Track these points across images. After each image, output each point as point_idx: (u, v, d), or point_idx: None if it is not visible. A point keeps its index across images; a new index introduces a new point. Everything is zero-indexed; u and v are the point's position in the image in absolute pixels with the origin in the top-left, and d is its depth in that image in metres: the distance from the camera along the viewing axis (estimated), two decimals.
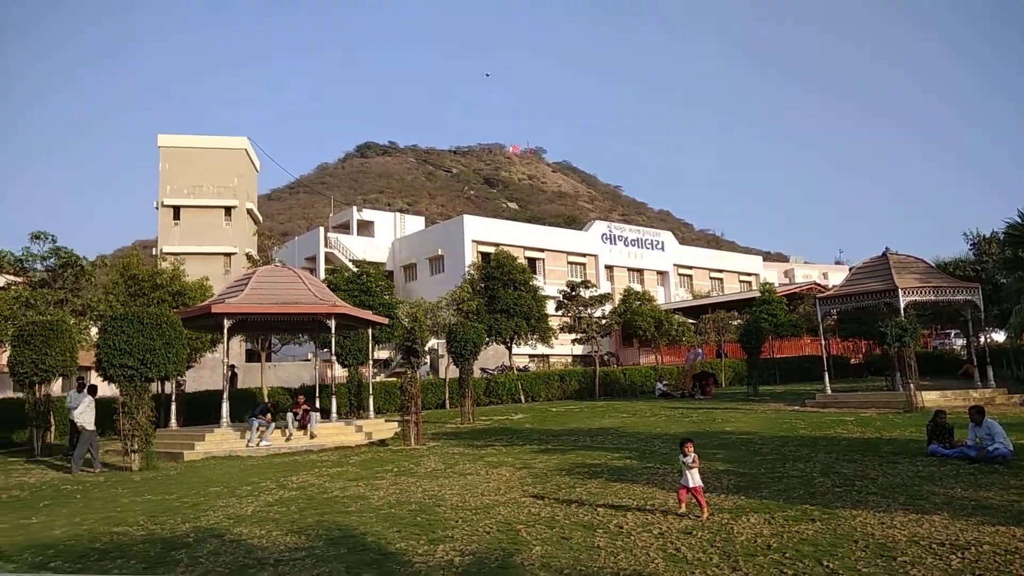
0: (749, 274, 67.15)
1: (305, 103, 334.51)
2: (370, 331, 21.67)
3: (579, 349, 44.44)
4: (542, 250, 53.53)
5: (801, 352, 39.02)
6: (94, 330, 22.10)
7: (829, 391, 22.08)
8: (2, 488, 12.19)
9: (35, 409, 17.33)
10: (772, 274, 70.10)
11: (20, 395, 20.77)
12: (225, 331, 17.41)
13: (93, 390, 15.70)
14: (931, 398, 19.02)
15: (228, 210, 50.00)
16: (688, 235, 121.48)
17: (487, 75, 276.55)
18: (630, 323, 38.35)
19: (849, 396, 21.88)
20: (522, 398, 29.15)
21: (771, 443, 13.57)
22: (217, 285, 29.23)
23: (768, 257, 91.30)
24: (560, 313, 34.10)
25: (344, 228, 62.75)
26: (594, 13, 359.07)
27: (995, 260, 26.12)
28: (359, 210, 65.61)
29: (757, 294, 42.89)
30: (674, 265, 61.40)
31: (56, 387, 23.47)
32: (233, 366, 25.57)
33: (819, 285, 50.31)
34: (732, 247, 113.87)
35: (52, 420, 18.59)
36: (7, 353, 18.91)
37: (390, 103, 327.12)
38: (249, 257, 42.76)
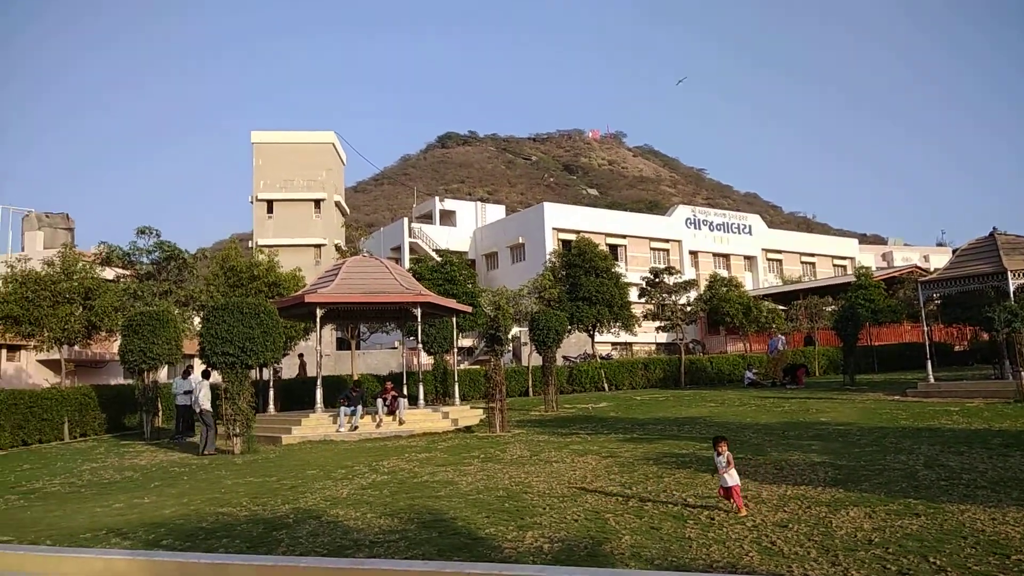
0: (843, 258, 64.36)
1: (388, 96, 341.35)
2: (454, 319, 22.00)
3: (663, 337, 43.79)
4: (624, 236, 52.87)
5: (901, 339, 37.15)
6: (197, 319, 23.34)
7: (932, 380, 20.94)
8: (116, 470, 13.07)
9: (144, 395, 18.47)
10: (868, 257, 66.82)
11: (130, 381, 22.18)
12: (318, 320, 18.04)
13: (207, 374, 16.55)
14: None
15: (317, 203, 51.63)
16: (777, 218, 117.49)
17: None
18: (716, 310, 37.47)
19: (954, 385, 20.70)
20: (605, 386, 28.99)
21: (870, 434, 13.00)
22: (309, 276, 30.31)
23: (864, 240, 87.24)
24: (643, 300, 33.62)
25: (427, 218, 63.81)
26: None
27: None
28: (441, 200, 66.59)
29: (852, 278, 41.06)
30: (762, 249, 59.50)
31: (163, 374, 24.95)
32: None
33: (920, 268, 47.73)
34: (824, 230, 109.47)
35: (159, 405, 19.77)
36: (118, 342, 20.23)
37: (470, 93, 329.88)
38: (338, 248, 44.06)
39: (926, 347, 22.50)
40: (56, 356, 24.48)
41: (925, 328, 23.86)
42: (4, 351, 32.69)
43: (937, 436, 12.36)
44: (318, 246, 50.20)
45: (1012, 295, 18.91)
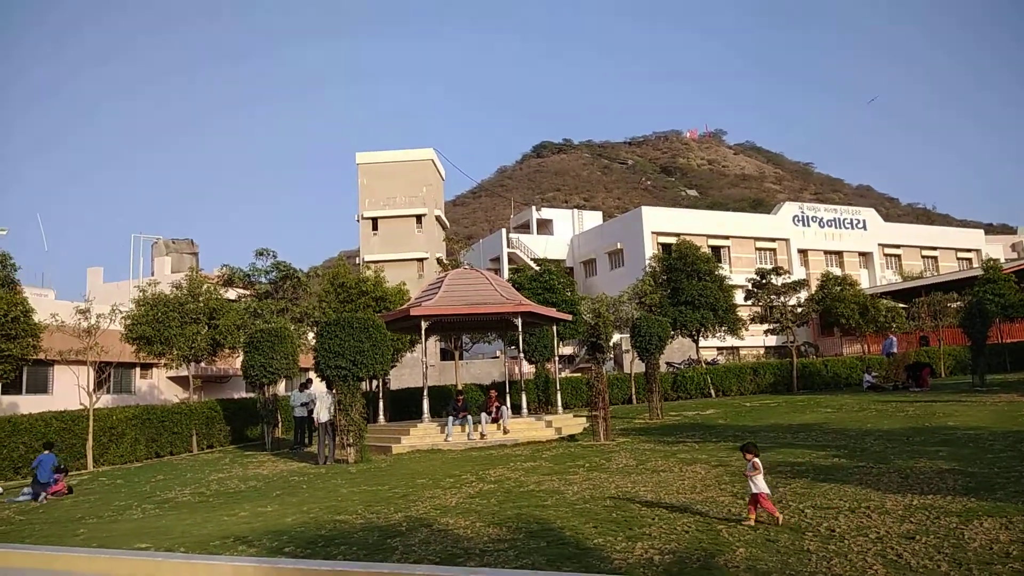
0: (968, 250, 60.09)
1: (483, 109, 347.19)
2: (554, 328, 22.05)
3: (772, 340, 42.18)
4: (727, 237, 51.45)
5: None
6: (310, 335, 24.49)
7: None
8: (241, 479, 13.87)
9: (265, 407, 19.52)
10: (996, 249, 62.04)
11: (252, 395, 23.49)
12: (423, 332, 18.54)
13: (330, 385, 17.12)
14: None
15: (419, 218, 53.10)
16: (893, 211, 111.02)
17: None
18: (830, 310, 35.77)
19: None
20: (712, 392, 28.22)
21: (1004, 439, 12.05)
22: (413, 289, 31.21)
23: (991, 230, 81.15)
24: (750, 303, 32.59)
25: (524, 228, 64.34)
26: None
27: None
28: (538, 209, 66.97)
29: (980, 272, 38.19)
30: (878, 245, 56.41)
31: (281, 387, 26.31)
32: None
33: None
34: (946, 221, 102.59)
35: (279, 417, 20.82)
36: (240, 358, 21.50)
37: (563, 101, 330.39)
38: (439, 261, 45.13)
39: None
40: (184, 373, 26.26)
41: None
42: (138, 369, 35.34)
43: None
44: (421, 260, 51.60)
45: None
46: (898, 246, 57.57)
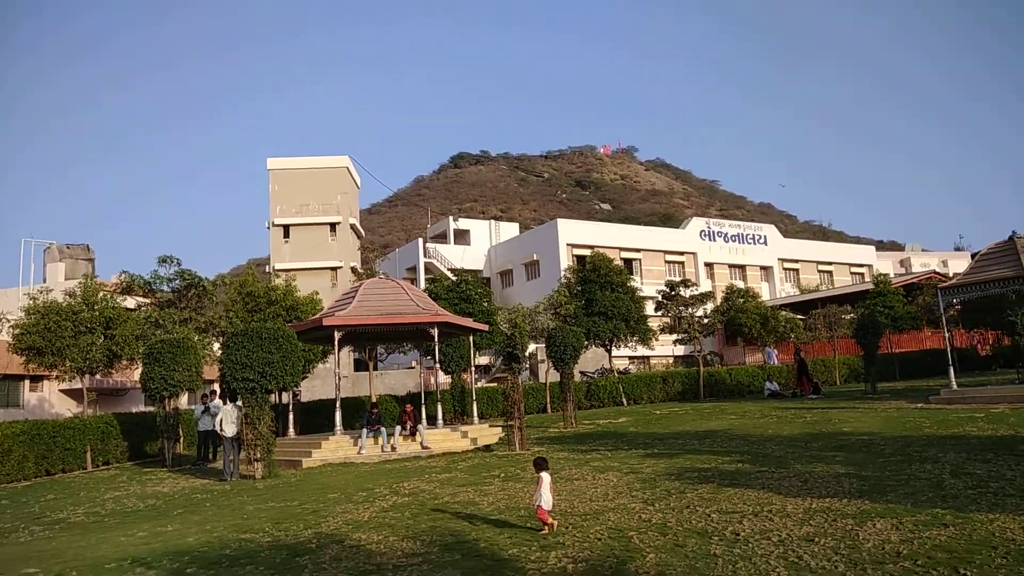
0: (861, 265, 63.90)
1: (400, 117, 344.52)
2: (471, 338, 22.03)
3: (681, 350, 43.53)
4: (638, 250, 52.84)
5: (921, 346, 36.69)
6: (216, 346, 23.54)
7: (955, 386, 20.65)
8: (139, 498, 13.16)
9: (165, 422, 18.60)
10: (886, 264, 66.24)
11: (151, 409, 22.34)
12: (336, 343, 18.13)
13: (234, 397, 16.29)
14: None
15: (333, 226, 52.09)
16: (792, 227, 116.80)
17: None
18: (734, 321, 37.24)
19: (978, 391, 20.40)
20: (624, 401, 28.82)
21: (894, 443, 12.83)
22: (326, 298, 30.52)
23: (881, 247, 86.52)
24: (660, 314, 33.50)
25: (441, 238, 64.14)
26: (677, 6, 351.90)
27: None
28: (455, 219, 66.96)
29: (871, 286, 40.74)
30: (778, 259, 59.21)
31: (183, 400, 25.16)
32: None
33: (938, 274, 47.27)
34: (840, 237, 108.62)
35: (181, 432, 19.89)
36: (139, 370, 20.44)
37: (482, 112, 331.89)
38: (354, 270, 44.42)
39: (948, 353, 22.21)
40: (78, 385, 24.73)
41: (946, 334, 23.57)
42: (27, 382, 33.09)
43: (963, 444, 12.18)
44: (334, 269, 50.60)
45: None
46: (796, 261, 60.56)
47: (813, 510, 7.93)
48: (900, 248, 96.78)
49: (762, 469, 11.12)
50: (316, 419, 23.02)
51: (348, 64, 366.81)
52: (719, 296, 40.52)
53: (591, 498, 9.60)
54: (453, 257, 58.27)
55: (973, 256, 29.93)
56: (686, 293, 32.13)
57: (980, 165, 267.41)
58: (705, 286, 47.00)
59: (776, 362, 33.21)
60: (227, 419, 15.40)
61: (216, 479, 15.06)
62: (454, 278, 32.92)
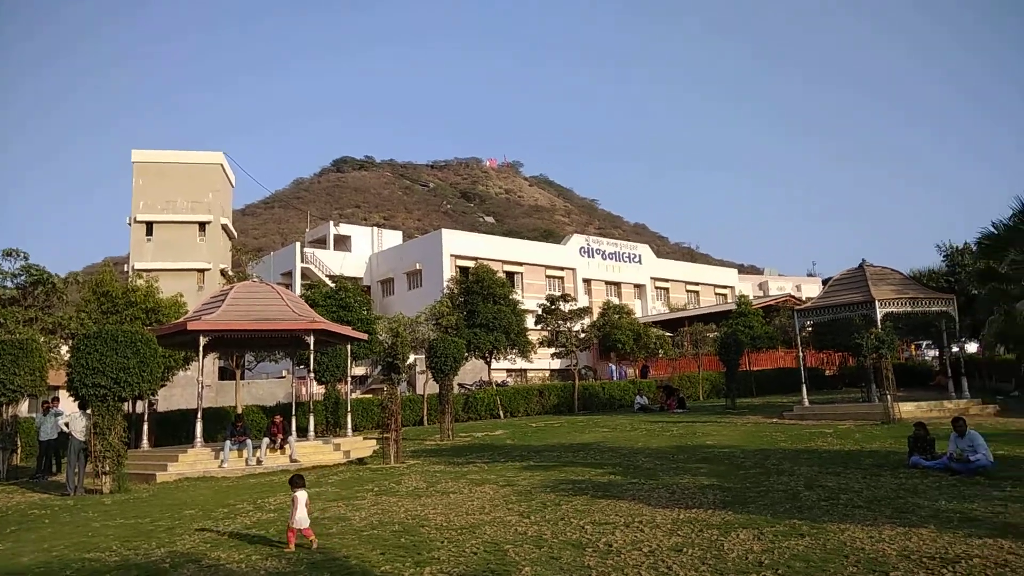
0: (725, 287, 67.67)
1: (281, 116, 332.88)
2: (348, 347, 21.41)
3: (557, 363, 44.35)
4: (520, 264, 53.50)
5: (776, 364, 39.28)
6: (65, 349, 21.61)
7: (806, 403, 22.19)
8: None
9: (2, 431, 16.84)
10: (747, 287, 70.61)
11: None
12: (200, 348, 17.06)
13: (84, 405, 14.93)
14: (907, 409, 19.19)
15: (202, 225, 49.31)
16: (664, 248, 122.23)
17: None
18: (608, 336, 38.38)
19: (826, 408, 22.01)
20: (501, 413, 28.96)
21: (753, 456, 13.56)
22: (191, 302, 28.76)
23: (743, 270, 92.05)
24: (539, 327, 34.02)
25: (321, 243, 62.30)
26: (570, 31, 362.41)
27: (968, 271, 26.55)
28: (336, 225, 65.26)
29: (733, 307, 43.19)
30: (651, 278, 61.69)
31: (24, 407, 22.88)
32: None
33: (794, 297, 50.82)
34: (707, 260, 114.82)
35: (19, 442, 18.07)
36: None
37: (368, 117, 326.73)
38: (224, 273, 42.23)
39: (801, 372, 23.85)
40: None
41: (800, 354, 25.31)
42: None
43: (815, 457, 13.04)
44: (202, 271, 47.87)
45: (879, 323, 20.37)
46: (667, 280, 63.37)
47: (681, 521, 8.19)
48: (759, 272, 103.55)
49: (633, 481, 11.41)
50: (174, 431, 21.59)
51: (229, 60, 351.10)
52: (596, 312, 41.68)
53: (467, 511, 9.48)
54: (332, 263, 56.72)
55: (824, 282, 32.39)
56: (565, 308, 32.82)
57: (832, 197, 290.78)
58: (583, 301, 48.19)
59: (616, 377, 34.87)
60: (74, 427, 14.12)
61: (58, 493, 13.74)
62: (333, 285, 32.04)
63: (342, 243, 62.09)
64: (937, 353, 33.33)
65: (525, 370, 46.26)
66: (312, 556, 7.38)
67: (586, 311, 35.71)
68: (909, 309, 21.31)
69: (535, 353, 34.51)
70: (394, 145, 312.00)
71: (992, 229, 22.91)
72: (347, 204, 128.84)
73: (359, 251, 60.63)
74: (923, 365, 35.59)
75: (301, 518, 7.72)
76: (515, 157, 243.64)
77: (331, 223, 65.74)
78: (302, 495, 7.84)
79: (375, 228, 67.96)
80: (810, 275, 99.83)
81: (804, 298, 46.22)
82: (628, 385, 32.90)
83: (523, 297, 42.44)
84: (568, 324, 32.68)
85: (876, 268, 22.32)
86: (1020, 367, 24.28)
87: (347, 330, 19.88)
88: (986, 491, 9.22)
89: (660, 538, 7.39)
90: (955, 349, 24.24)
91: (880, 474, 10.88)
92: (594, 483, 11.37)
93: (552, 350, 34.18)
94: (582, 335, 34.45)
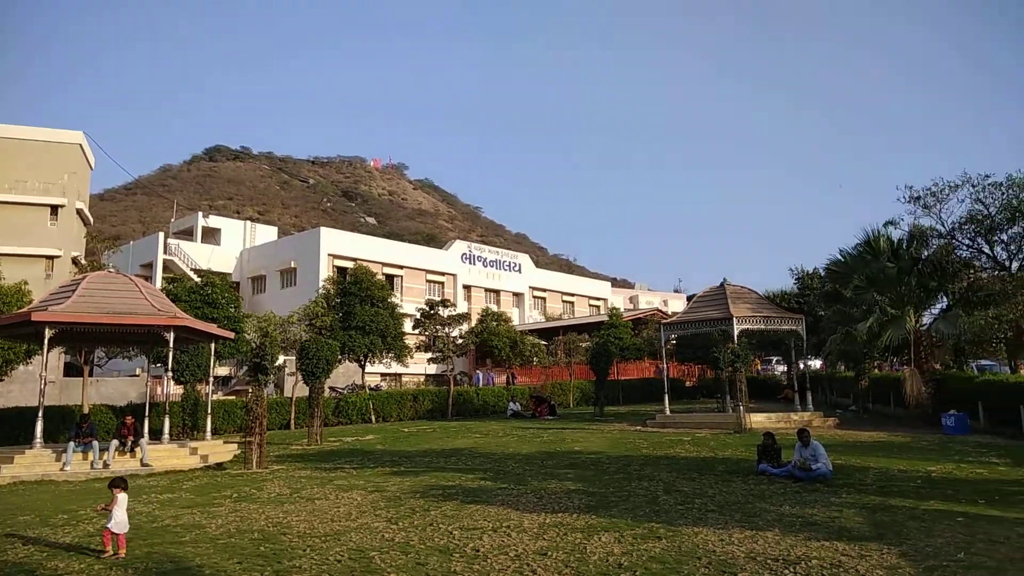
0: (598, 299, 69.88)
1: (148, 99, 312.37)
2: (212, 346, 20.35)
3: (433, 368, 44.20)
4: (401, 267, 52.94)
5: (642, 375, 41.02)
6: None
7: (668, 412, 23.31)
8: None
9: None
10: (619, 299, 73.30)
11: None
12: (45, 342, 15.67)
13: None
14: (757, 420, 20.56)
15: (55, 208, 45.34)
16: (543, 259, 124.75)
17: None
18: (486, 343, 38.67)
19: (686, 417, 23.21)
20: (373, 418, 28.47)
21: (617, 462, 14.06)
22: (38, 291, 26.39)
23: (616, 283, 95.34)
24: (417, 332, 33.76)
25: (187, 235, 58.95)
26: (464, 33, 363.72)
27: (816, 294, 28.86)
28: (205, 216, 61.95)
29: (606, 318, 44.68)
30: (530, 287, 62.75)
31: None
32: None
33: (661, 312, 53.25)
34: (583, 272, 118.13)
35: None
36: None
37: (245, 105, 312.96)
38: (76, 261, 39.08)
39: (664, 382, 25.03)
40: None
41: (664, 365, 26.56)
42: None
43: (674, 464, 13.70)
44: (51, 258, 43.99)
45: (735, 338, 21.73)
46: (545, 290, 64.72)
47: (547, 525, 8.35)
48: (631, 286, 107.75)
49: (503, 486, 11.54)
50: (10, 430, 19.71)
51: (97, 35, 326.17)
52: (474, 318, 41.90)
53: (333, 518, 9.24)
54: (199, 257, 53.79)
55: (689, 298, 34.20)
56: (444, 313, 32.76)
57: (697, 216, 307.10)
58: (462, 308, 48.34)
59: (482, 384, 35.51)
60: None
61: None
62: (198, 279, 30.35)
63: (211, 236, 59.04)
64: (786, 368, 35.95)
65: (400, 374, 45.76)
66: (162, 566, 6.95)
67: (465, 317, 35.81)
68: (763, 327, 22.90)
69: (411, 358, 34.22)
70: (273, 137, 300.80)
71: (839, 257, 25.13)
72: (219, 196, 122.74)
73: (229, 245, 57.88)
74: (773, 379, 38.29)
75: (120, 521, 7.48)
76: (401, 159, 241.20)
77: (200, 214, 62.34)
78: (123, 497, 7.61)
79: (248, 222, 65.11)
80: (676, 291, 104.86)
81: (670, 312, 48.54)
82: (502, 391, 33.27)
83: (402, 301, 42.02)
84: (446, 329, 32.63)
85: (735, 287, 23.80)
86: (858, 383, 26.55)
87: (212, 328, 18.89)
88: (825, 497, 10.01)
89: (526, 542, 7.51)
90: (802, 365, 26.24)
91: (732, 480, 11.57)
92: (464, 488, 11.39)
93: (429, 355, 34.01)
94: (460, 341, 34.51)
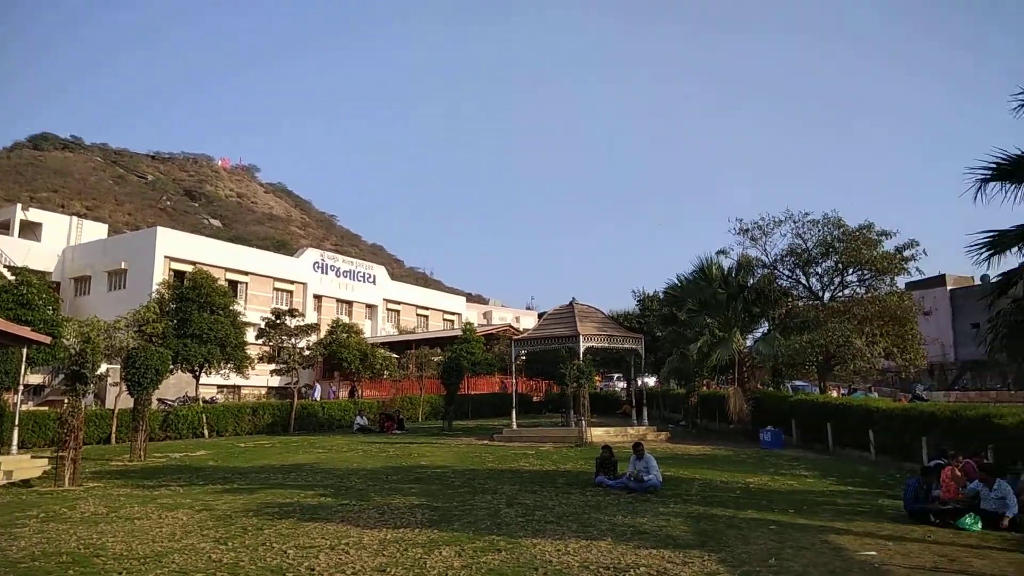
0: (453, 313, 70.10)
1: None
2: (24, 351, 18.35)
3: (277, 381, 42.37)
4: (247, 273, 50.38)
5: (492, 389, 41.55)
6: None
7: (515, 426, 23.77)
8: None
9: None
10: (473, 314, 73.96)
11: None
12: None
13: None
14: (598, 434, 21.45)
15: None
16: (399, 271, 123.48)
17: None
18: (335, 355, 37.61)
19: (531, 431, 23.78)
20: (206, 432, 26.76)
21: (463, 476, 14.13)
22: None
23: (470, 298, 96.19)
24: (261, 342, 32.24)
25: (3, 228, 53.03)
26: (314, 34, 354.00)
27: (655, 315, 30.59)
28: (24, 209, 55.98)
29: (459, 333, 44.89)
30: (384, 299, 61.84)
31: None
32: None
33: (513, 328, 54.31)
34: (439, 286, 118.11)
35: None
36: None
37: (80, 92, 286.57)
38: None
39: (513, 397, 25.52)
40: None
41: (514, 380, 27.08)
42: None
43: (517, 477, 13.97)
44: None
45: (581, 355, 22.58)
46: (399, 303, 64.06)
47: (388, 541, 8.23)
48: (485, 302, 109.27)
49: (344, 502, 11.24)
50: None
51: None
52: (324, 329, 40.66)
53: (155, 539, 8.59)
54: (15, 253, 48.40)
55: (540, 315, 35.17)
56: (291, 323, 31.53)
57: (550, 237, 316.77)
58: (312, 318, 46.73)
59: (319, 397, 34.91)
60: None
61: None
62: (12, 277, 27.32)
63: (30, 231, 53.41)
64: (625, 385, 37.77)
65: (239, 387, 43.41)
66: None
67: (314, 328, 34.61)
68: (607, 345, 23.99)
69: (252, 369, 32.60)
70: (108, 128, 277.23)
71: (676, 282, 26.84)
72: (43, 187, 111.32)
73: (51, 241, 52.63)
74: (614, 395, 40.10)
75: None
76: (252, 160, 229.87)
77: (19, 206, 56.24)
78: None
79: (75, 218, 59.46)
80: (529, 308, 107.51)
81: (522, 329, 49.62)
82: (349, 405, 32.47)
83: (246, 309, 39.99)
84: (293, 340, 31.40)
85: (583, 306, 24.77)
86: (688, 400, 28.36)
87: (24, 331, 17.06)
88: (654, 507, 10.59)
89: (365, 559, 7.36)
90: (640, 382, 27.66)
91: (571, 492, 11.97)
92: (302, 505, 10.99)
93: (273, 367, 32.55)
94: (307, 352, 33.32)
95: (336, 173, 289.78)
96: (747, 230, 26.22)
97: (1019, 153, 10.63)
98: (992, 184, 10.87)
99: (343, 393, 37.13)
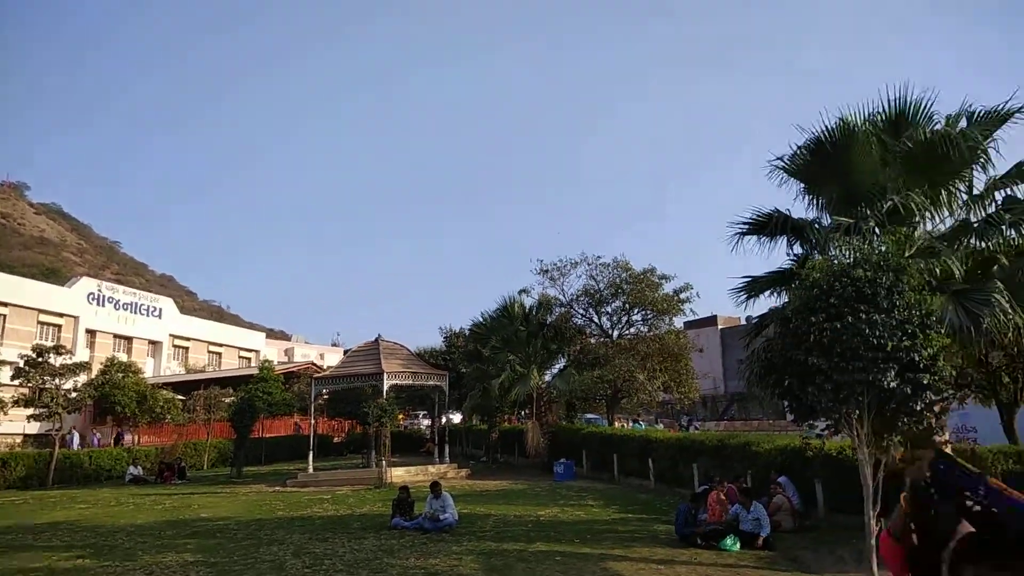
0: (250, 350, 66.21)
1: None
2: None
3: (36, 427, 37.30)
4: (6, 304, 44.23)
5: (291, 431, 39.58)
6: None
7: (311, 470, 22.76)
8: None
9: None
10: (273, 351, 70.16)
11: None
12: None
13: None
14: (398, 474, 21.12)
15: None
16: (191, 304, 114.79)
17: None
18: (107, 397, 33.90)
19: (329, 474, 22.88)
20: None
21: (248, 527, 13.23)
22: None
23: (272, 334, 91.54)
24: (18, 383, 28.26)
25: None
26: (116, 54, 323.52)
27: (460, 352, 30.95)
28: None
29: (256, 371, 42.40)
30: (170, 335, 57.00)
31: None
32: None
33: (315, 365, 52.31)
34: (236, 321, 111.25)
35: None
36: None
37: None
38: None
39: (311, 439, 24.48)
40: None
41: (312, 420, 26.04)
42: None
43: (308, 525, 13.32)
44: None
45: (385, 393, 22.21)
46: (188, 339, 59.35)
47: None
48: (288, 338, 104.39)
49: (105, 564, 10.07)
50: None
51: None
52: (96, 368, 36.57)
53: None
54: None
55: (345, 352, 34.23)
56: (56, 361, 28.01)
57: (357, 273, 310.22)
58: (83, 355, 41.87)
59: (75, 446, 31.96)
60: None
61: None
62: None
63: None
64: (429, 422, 37.72)
65: None
66: None
67: (84, 366, 30.96)
68: (411, 382, 23.87)
69: (5, 414, 28.45)
70: None
71: (481, 319, 27.46)
72: None
73: None
74: (418, 432, 39.81)
75: None
76: (22, 178, 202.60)
77: None
78: None
79: None
80: (335, 344, 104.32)
81: (326, 366, 47.93)
82: (122, 453, 29.30)
83: (3, 344, 35.01)
84: (57, 381, 27.85)
85: (389, 343, 24.49)
86: (490, 435, 28.84)
87: None
88: (448, 547, 10.56)
89: None
90: (444, 419, 27.74)
91: (365, 537, 11.61)
92: (55, 570, 9.71)
93: (31, 411, 28.62)
94: (73, 395, 29.69)
95: (117, 193, 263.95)
96: (547, 271, 27.52)
97: (770, 211, 12.16)
98: (748, 237, 12.32)
99: (109, 440, 33.41)
